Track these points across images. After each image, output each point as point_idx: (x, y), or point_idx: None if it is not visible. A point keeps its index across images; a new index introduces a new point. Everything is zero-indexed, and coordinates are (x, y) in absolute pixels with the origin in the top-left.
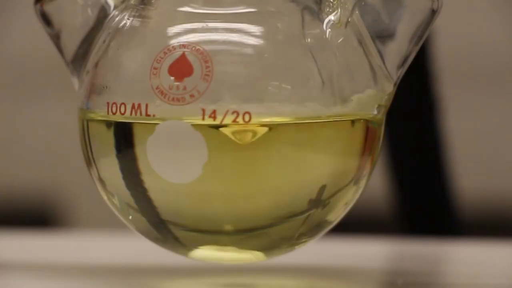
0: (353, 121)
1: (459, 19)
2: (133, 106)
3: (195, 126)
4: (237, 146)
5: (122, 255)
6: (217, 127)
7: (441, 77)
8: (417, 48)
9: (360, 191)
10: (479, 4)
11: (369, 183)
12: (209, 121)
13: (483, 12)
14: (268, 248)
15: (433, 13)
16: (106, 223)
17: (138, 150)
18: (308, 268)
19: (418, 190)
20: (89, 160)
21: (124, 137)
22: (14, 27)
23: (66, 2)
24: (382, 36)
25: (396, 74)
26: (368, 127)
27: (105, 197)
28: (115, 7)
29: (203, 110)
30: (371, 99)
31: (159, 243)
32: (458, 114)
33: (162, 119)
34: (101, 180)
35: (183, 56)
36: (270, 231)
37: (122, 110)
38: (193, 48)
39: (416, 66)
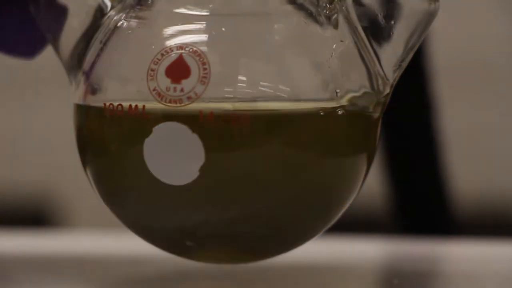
0: (350, 121)
1: (455, 18)
2: (130, 108)
3: (192, 128)
4: (235, 148)
5: (120, 255)
6: (214, 129)
7: (437, 76)
8: (414, 50)
9: (357, 190)
10: (476, 4)
11: (366, 182)
12: (206, 123)
13: (479, 12)
14: (266, 249)
15: (430, 15)
16: (103, 222)
17: (135, 152)
18: (306, 267)
19: (414, 189)
20: (85, 161)
21: (121, 138)
22: None
23: (63, 1)
24: (379, 38)
25: (393, 76)
26: (365, 126)
27: (100, 198)
28: (112, 8)
29: (201, 112)
30: (367, 100)
31: (156, 244)
32: (454, 114)
33: (159, 121)
34: (97, 181)
35: (180, 58)
36: (268, 232)
37: (119, 111)
38: (191, 50)
39: (413, 66)
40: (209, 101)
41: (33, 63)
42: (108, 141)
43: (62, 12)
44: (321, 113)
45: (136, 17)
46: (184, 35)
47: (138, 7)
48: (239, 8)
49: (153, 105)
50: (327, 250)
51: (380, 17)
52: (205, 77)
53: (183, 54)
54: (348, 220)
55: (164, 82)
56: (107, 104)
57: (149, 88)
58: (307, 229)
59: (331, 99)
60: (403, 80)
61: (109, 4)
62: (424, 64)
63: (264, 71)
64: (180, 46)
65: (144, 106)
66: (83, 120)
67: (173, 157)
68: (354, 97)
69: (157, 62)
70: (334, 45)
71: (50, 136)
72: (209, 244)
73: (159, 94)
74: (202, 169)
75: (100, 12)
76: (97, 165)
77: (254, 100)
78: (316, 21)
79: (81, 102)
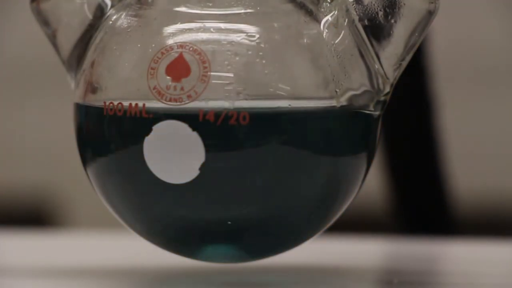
0: (350, 120)
1: (455, 17)
2: (130, 106)
3: (193, 126)
4: (235, 146)
5: (119, 255)
6: (214, 127)
7: (437, 76)
8: (414, 50)
9: (357, 190)
10: (475, 3)
11: (366, 182)
12: (206, 122)
13: (479, 11)
14: (265, 248)
15: (430, 14)
16: (103, 222)
17: (135, 150)
18: (305, 267)
19: (414, 189)
20: (85, 160)
21: (121, 137)
22: (10, 25)
23: (62, 0)
24: (379, 37)
25: (393, 75)
26: (365, 125)
27: (100, 197)
28: (112, 6)
29: (201, 111)
30: (367, 98)
31: (156, 243)
32: (454, 113)
33: (159, 120)
34: (97, 180)
35: (180, 56)
36: (267, 231)
37: (119, 109)
38: (191, 49)
39: (413, 65)
40: (209, 100)
41: (33, 62)
42: (108, 140)
43: None
44: (321, 112)
45: (136, 16)
46: (185, 33)
47: (138, 5)
48: (240, 6)
49: (153, 103)
50: (327, 250)
51: (381, 15)
52: (205, 76)
53: (183, 53)
54: (348, 220)
55: (164, 80)
56: (107, 103)
57: (149, 87)
58: (307, 228)
59: (331, 97)
60: (403, 80)
61: (109, 2)
62: (424, 63)
63: (264, 69)
64: (181, 45)
65: (144, 104)
66: (83, 119)
67: (173, 156)
68: (354, 96)
69: (157, 61)
70: (334, 44)
71: (50, 136)
72: (209, 243)
73: (159, 93)
74: (202, 168)
75: (100, 11)
76: (97, 164)
77: (254, 98)
78: (316, 19)
79: (81, 101)
